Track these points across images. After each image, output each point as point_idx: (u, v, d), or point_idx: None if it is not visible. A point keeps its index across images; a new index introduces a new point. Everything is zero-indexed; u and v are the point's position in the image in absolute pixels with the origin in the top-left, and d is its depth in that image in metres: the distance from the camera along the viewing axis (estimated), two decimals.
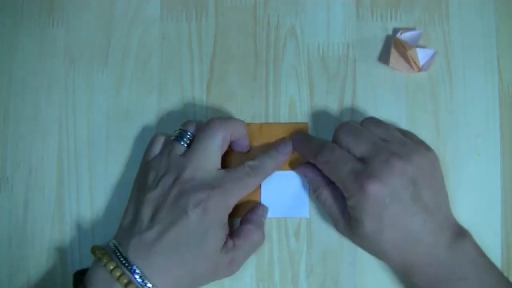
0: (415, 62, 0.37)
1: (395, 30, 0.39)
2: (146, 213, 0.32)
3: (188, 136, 0.35)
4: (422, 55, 0.37)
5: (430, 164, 0.33)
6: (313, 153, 0.35)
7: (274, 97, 0.39)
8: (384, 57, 0.39)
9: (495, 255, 0.35)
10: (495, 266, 0.32)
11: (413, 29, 0.39)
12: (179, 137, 0.35)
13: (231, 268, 0.33)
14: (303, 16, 0.40)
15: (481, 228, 0.35)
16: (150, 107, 0.39)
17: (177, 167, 0.33)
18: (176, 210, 0.31)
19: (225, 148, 0.35)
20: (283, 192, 0.38)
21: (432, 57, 0.38)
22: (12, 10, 0.40)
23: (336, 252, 0.37)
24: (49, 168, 0.39)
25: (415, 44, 0.38)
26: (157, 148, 0.35)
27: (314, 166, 0.36)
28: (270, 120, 0.39)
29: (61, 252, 0.38)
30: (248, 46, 0.40)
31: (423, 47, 0.38)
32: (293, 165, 0.38)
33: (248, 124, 0.38)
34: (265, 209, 0.37)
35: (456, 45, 0.39)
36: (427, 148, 0.34)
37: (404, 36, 0.38)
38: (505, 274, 0.36)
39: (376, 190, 0.31)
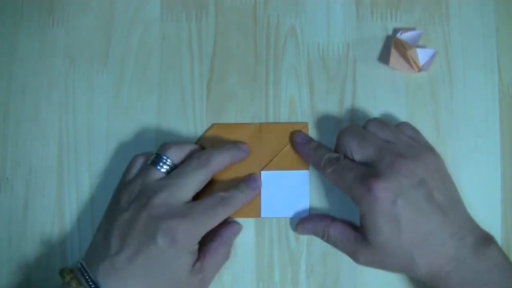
0: (415, 62, 0.37)
1: (395, 30, 0.39)
2: (116, 235, 0.32)
3: (164, 161, 0.34)
4: (422, 55, 0.37)
5: (436, 166, 0.33)
6: (319, 163, 0.35)
7: (274, 97, 0.39)
8: (384, 57, 0.39)
9: None
10: None
11: (413, 29, 0.39)
12: (155, 162, 0.35)
13: (201, 287, 0.34)
14: (303, 16, 0.40)
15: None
16: (150, 107, 0.39)
17: (151, 192, 0.33)
18: (145, 236, 0.31)
19: (205, 183, 0.35)
20: (283, 192, 0.38)
21: (432, 57, 0.38)
22: (12, 10, 0.40)
23: (336, 252, 0.37)
24: (49, 168, 0.39)
25: (415, 44, 0.38)
26: (135, 170, 0.35)
27: (308, 217, 0.37)
28: (270, 120, 0.39)
29: (61, 252, 0.38)
30: (248, 46, 0.40)
31: (423, 47, 0.38)
32: (292, 165, 0.38)
33: (248, 124, 0.38)
34: (239, 227, 0.37)
35: (456, 45, 0.39)
36: (432, 150, 0.34)
37: (404, 36, 0.38)
38: None
39: (383, 189, 0.31)
